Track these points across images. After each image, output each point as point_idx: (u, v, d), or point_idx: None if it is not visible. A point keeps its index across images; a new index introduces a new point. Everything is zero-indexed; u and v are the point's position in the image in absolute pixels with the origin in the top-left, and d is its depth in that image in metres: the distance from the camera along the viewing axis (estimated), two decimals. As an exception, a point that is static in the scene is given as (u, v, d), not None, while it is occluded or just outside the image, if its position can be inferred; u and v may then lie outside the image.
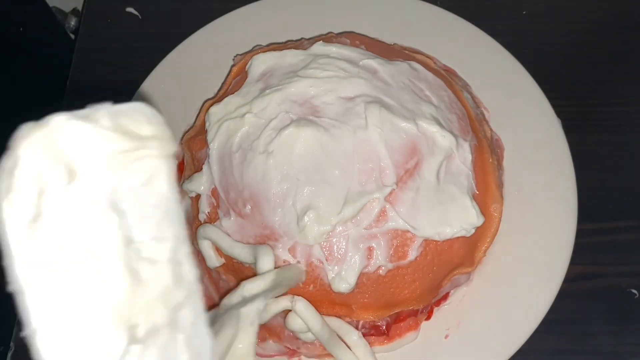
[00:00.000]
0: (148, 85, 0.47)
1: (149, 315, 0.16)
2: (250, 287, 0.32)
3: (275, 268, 0.34)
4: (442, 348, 0.39)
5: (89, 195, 0.15)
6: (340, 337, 0.35)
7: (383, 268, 0.35)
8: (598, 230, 0.45)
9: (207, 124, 0.39)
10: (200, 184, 0.38)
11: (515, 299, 0.39)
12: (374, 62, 0.39)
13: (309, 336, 0.36)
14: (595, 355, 0.42)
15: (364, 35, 0.45)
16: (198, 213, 0.39)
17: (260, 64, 0.40)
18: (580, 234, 0.41)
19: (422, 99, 0.38)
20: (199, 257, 0.40)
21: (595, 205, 0.45)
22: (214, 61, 0.48)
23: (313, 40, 0.42)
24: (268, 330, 0.39)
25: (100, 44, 0.54)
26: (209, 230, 0.37)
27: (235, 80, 0.42)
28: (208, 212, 0.38)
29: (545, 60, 0.50)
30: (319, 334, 0.34)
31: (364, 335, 0.36)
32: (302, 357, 0.40)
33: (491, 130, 0.44)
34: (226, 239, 0.36)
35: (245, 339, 0.29)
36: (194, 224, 0.40)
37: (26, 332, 0.15)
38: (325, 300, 0.36)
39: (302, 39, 0.46)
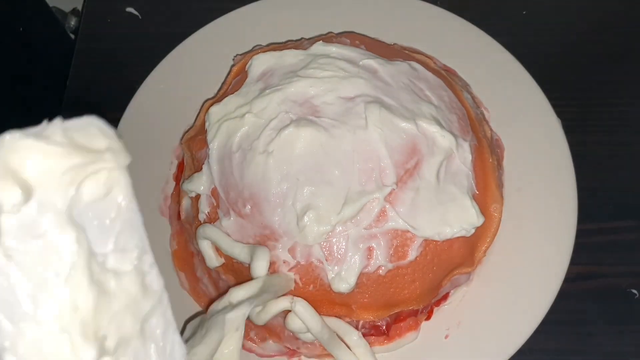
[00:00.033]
0: (148, 85, 0.47)
1: (118, 326, 0.16)
2: (237, 294, 0.32)
3: (270, 272, 0.35)
4: (442, 348, 0.39)
5: (45, 213, 0.15)
6: (340, 337, 0.35)
7: (383, 268, 0.35)
8: (598, 230, 0.45)
9: (207, 124, 0.39)
10: (200, 184, 0.38)
11: (515, 299, 0.39)
12: (374, 62, 0.39)
13: (308, 336, 0.36)
14: (595, 355, 0.42)
15: (364, 35, 0.45)
16: (198, 213, 0.39)
17: (260, 64, 0.40)
18: (580, 234, 0.41)
19: (422, 99, 0.38)
20: (199, 257, 0.40)
21: (595, 205, 0.45)
22: (214, 61, 0.48)
23: (313, 40, 0.42)
24: (268, 330, 0.39)
25: (100, 44, 0.54)
26: (208, 230, 0.37)
27: (235, 80, 0.42)
28: (208, 212, 0.38)
29: (545, 60, 0.50)
30: (319, 335, 0.34)
31: (364, 335, 0.36)
32: (302, 357, 0.40)
33: (491, 130, 0.44)
34: (226, 239, 0.36)
35: (230, 344, 0.29)
36: (194, 224, 0.40)
37: None
38: (325, 300, 0.36)
39: (302, 39, 0.46)
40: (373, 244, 0.35)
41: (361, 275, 0.35)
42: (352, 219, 0.35)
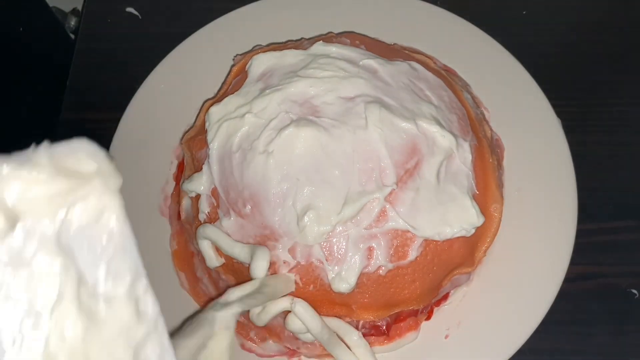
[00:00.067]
0: (148, 85, 0.47)
1: (109, 354, 0.16)
2: (233, 294, 0.32)
3: (270, 272, 0.35)
4: (442, 348, 0.39)
5: (33, 241, 0.15)
6: (340, 338, 0.35)
7: (383, 268, 0.35)
8: (598, 230, 0.45)
9: (207, 124, 0.39)
10: (200, 184, 0.38)
11: (515, 299, 0.39)
12: (374, 62, 0.39)
13: (308, 337, 0.36)
14: (595, 355, 0.42)
15: (364, 35, 0.45)
16: (198, 213, 0.39)
17: (260, 64, 0.40)
18: (580, 234, 0.41)
19: (422, 99, 0.38)
20: (199, 257, 0.40)
21: (595, 205, 0.45)
22: (214, 61, 0.48)
23: (313, 40, 0.42)
24: (268, 331, 0.39)
25: (100, 44, 0.54)
26: (208, 230, 0.37)
27: (235, 80, 0.42)
28: (208, 212, 0.38)
29: (545, 60, 0.50)
30: (319, 335, 0.34)
31: (364, 335, 0.36)
32: (302, 357, 0.40)
33: (491, 130, 0.44)
34: (226, 239, 0.36)
35: (220, 343, 0.29)
36: (194, 224, 0.40)
37: None
38: (325, 300, 0.36)
39: (302, 39, 0.46)
40: (373, 244, 0.35)
41: (361, 275, 0.35)
42: (352, 219, 0.35)
